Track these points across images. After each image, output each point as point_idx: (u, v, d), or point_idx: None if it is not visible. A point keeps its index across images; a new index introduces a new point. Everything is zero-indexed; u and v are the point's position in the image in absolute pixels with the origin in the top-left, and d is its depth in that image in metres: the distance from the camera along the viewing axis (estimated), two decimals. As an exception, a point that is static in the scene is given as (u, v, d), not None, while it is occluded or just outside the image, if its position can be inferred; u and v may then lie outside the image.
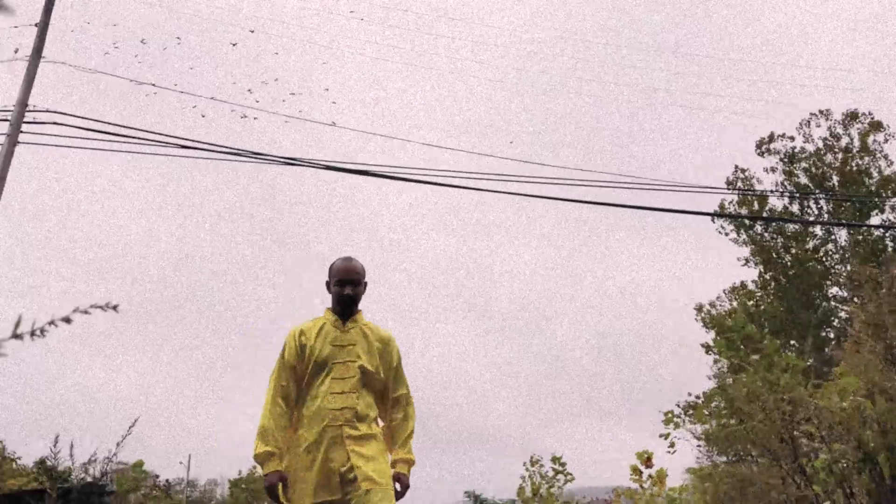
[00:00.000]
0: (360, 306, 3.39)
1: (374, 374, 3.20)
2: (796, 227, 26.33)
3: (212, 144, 8.87)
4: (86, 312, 1.01)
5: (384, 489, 2.97)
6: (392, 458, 3.20)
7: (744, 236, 26.93)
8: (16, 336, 0.95)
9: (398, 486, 3.12)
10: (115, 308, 1.04)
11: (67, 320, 1.00)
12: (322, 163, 9.07)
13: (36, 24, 11.22)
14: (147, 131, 9.05)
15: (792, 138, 26.85)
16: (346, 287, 3.27)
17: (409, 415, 3.32)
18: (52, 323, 0.98)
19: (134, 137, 9.51)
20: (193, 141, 8.89)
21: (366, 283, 3.39)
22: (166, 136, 9.06)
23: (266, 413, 3.06)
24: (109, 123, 9.35)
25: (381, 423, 3.30)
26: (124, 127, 9.16)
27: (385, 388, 3.29)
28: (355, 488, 2.94)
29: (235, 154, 8.91)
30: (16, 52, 10.90)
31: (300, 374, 3.17)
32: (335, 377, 3.11)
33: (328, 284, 3.37)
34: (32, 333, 0.97)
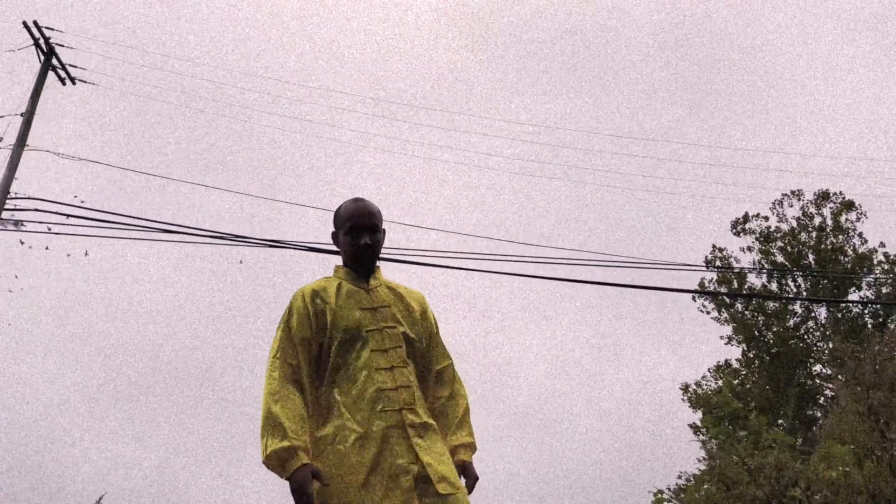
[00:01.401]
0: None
1: (417, 343, 2.45)
2: (776, 304, 26.57)
3: (192, 227, 8.89)
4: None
5: (464, 494, 2.26)
6: (450, 443, 2.39)
7: (725, 314, 27.09)
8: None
9: (463, 480, 2.34)
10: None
11: None
12: (304, 245, 9.10)
13: (21, 114, 11.38)
14: (130, 216, 9.07)
15: (766, 218, 27.41)
16: (363, 235, 2.46)
17: (460, 392, 2.55)
18: None
19: (116, 223, 9.52)
20: (174, 224, 8.90)
21: (384, 231, 2.59)
22: (149, 220, 9.08)
23: (271, 400, 2.18)
24: (91, 209, 9.38)
25: None
26: (107, 213, 9.18)
27: (427, 361, 2.52)
28: (430, 493, 2.15)
29: (219, 237, 8.93)
30: (0, 140, 11.01)
31: (316, 349, 2.35)
32: (375, 349, 2.31)
33: (335, 236, 2.60)
34: None
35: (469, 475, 2.37)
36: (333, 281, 2.49)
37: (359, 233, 2.47)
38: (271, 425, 2.14)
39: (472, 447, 2.44)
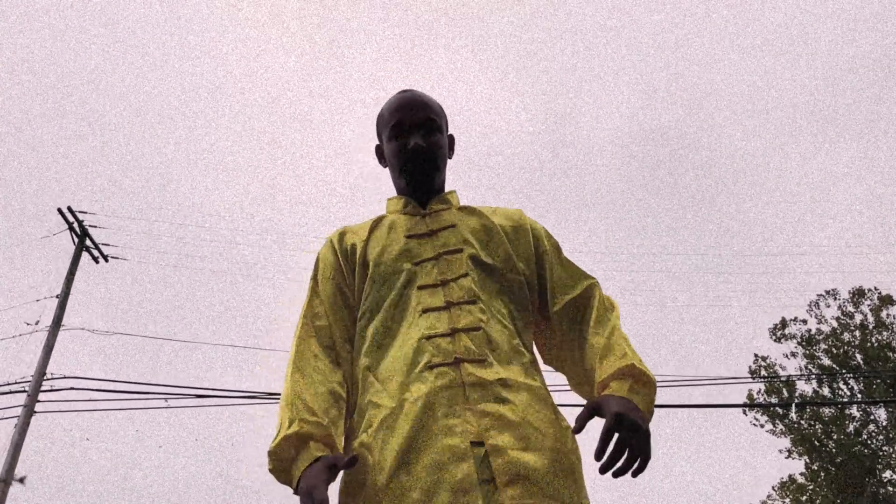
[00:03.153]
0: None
1: (505, 269, 1.61)
2: (832, 411, 25.49)
3: (226, 390, 8.87)
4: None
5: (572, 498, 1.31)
6: (599, 378, 1.46)
7: (780, 426, 25.96)
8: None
9: (619, 434, 1.29)
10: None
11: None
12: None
13: (56, 296, 11.73)
14: (161, 385, 9.09)
15: (805, 321, 26.86)
16: (413, 135, 1.71)
17: (612, 309, 1.62)
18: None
19: (150, 393, 9.54)
20: (207, 389, 8.89)
21: (452, 138, 1.85)
22: (181, 387, 9.09)
23: (290, 374, 1.51)
24: (124, 382, 9.43)
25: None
26: (138, 384, 9.22)
27: (541, 290, 1.66)
28: (492, 495, 1.27)
29: (252, 397, 8.88)
30: (36, 323, 11.29)
31: (353, 300, 1.64)
32: (423, 284, 1.55)
33: (379, 150, 1.86)
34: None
35: (627, 429, 1.28)
36: (377, 218, 1.76)
37: (406, 132, 1.72)
38: (286, 403, 1.45)
39: (640, 377, 1.41)
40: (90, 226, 12.54)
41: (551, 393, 1.53)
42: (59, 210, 12.18)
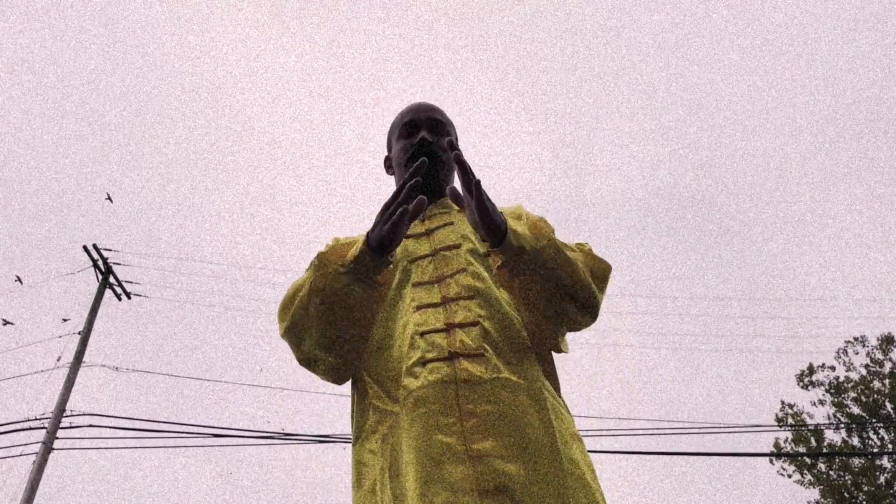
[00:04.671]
0: None
1: None
2: (862, 461, 24.80)
3: (244, 430, 8.81)
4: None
5: None
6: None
7: (808, 476, 25.26)
8: None
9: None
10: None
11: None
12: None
13: (79, 333, 11.80)
14: (179, 423, 9.06)
15: (833, 368, 26.33)
16: (420, 132, 1.68)
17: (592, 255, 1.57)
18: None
19: (168, 431, 9.50)
20: (225, 428, 8.84)
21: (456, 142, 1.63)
22: (199, 426, 9.05)
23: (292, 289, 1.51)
24: (143, 420, 9.41)
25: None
26: (157, 422, 9.19)
27: None
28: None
29: (268, 437, 8.81)
30: (58, 360, 11.35)
31: None
32: (418, 281, 1.49)
33: (387, 161, 1.81)
34: None
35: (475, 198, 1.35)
36: None
37: (415, 128, 1.70)
38: (292, 291, 1.48)
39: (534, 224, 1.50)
40: (114, 263, 12.68)
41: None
42: (85, 247, 12.34)
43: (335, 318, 1.40)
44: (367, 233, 1.40)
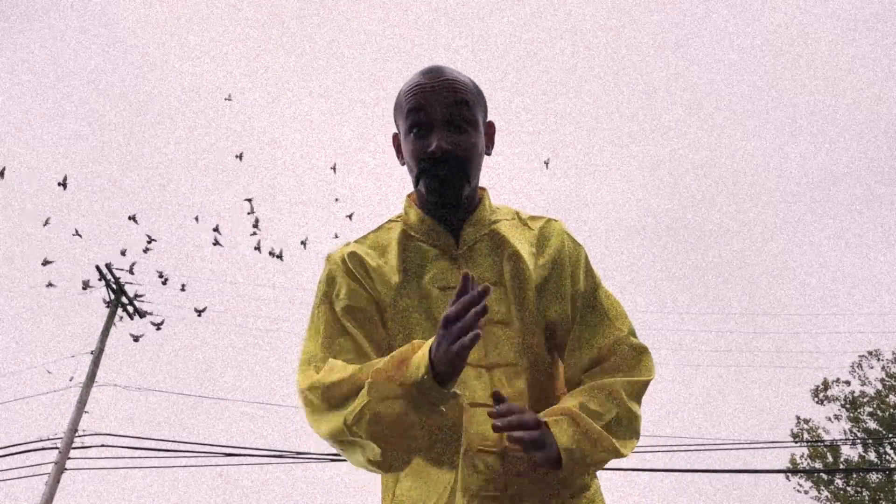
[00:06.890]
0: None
1: (537, 321, 1.33)
2: (879, 477, 24.49)
3: (255, 449, 8.80)
4: None
5: None
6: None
7: (825, 493, 24.95)
8: None
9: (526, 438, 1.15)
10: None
11: None
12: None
13: (91, 352, 11.84)
14: (191, 442, 9.05)
15: (848, 382, 26.07)
16: (437, 131, 1.31)
17: (646, 365, 1.35)
18: None
19: (179, 451, 9.49)
20: (237, 447, 8.83)
21: (491, 127, 1.42)
22: (211, 445, 9.04)
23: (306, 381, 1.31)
24: (154, 440, 9.41)
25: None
26: (169, 441, 9.19)
27: (565, 335, 1.36)
28: None
29: (280, 456, 8.79)
30: (71, 379, 11.38)
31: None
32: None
33: (397, 142, 1.45)
34: None
35: (531, 441, 1.14)
36: (393, 231, 1.40)
37: (427, 129, 1.32)
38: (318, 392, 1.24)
39: (573, 415, 1.23)
40: (126, 282, 12.74)
41: None
42: (98, 267, 12.40)
43: (389, 444, 1.16)
44: (430, 346, 1.11)
